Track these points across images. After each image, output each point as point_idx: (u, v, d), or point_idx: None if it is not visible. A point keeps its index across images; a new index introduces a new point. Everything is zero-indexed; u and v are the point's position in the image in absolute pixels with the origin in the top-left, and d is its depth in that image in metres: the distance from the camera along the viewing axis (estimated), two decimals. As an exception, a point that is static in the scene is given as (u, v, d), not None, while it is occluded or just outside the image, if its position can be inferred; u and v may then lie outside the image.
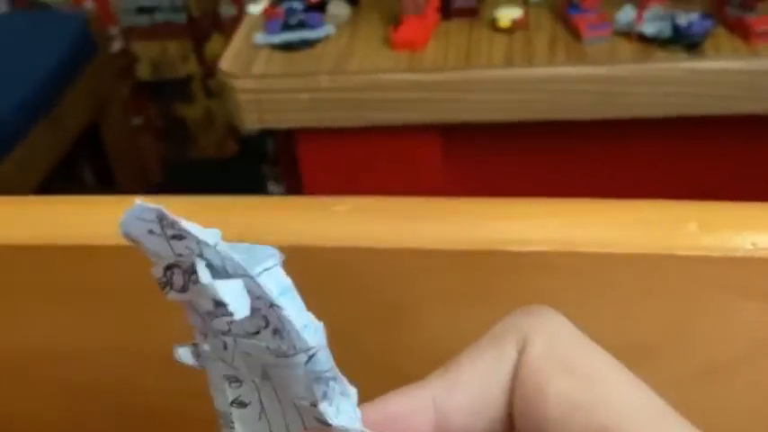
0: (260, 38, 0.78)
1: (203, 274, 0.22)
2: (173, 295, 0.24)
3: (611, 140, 0.81)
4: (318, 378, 0.23)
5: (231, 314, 0.22)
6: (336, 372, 0.24)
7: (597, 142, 0.81)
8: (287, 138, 0.82)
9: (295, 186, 0.85)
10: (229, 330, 0.24)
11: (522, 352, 0.24)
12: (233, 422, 0.27)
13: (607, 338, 0.41)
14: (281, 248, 0.40)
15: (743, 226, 0.38)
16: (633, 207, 0.40)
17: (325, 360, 0.23)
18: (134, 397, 0.46)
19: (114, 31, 1.66)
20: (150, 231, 0.23)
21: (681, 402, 0.42)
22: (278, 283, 0.22)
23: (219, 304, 0.22)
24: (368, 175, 0.76)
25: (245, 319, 0.23)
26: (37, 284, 0.43)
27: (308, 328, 0.23)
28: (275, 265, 0.23)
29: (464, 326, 0.41)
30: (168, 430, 0.47)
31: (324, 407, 0.24)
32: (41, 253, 0.42)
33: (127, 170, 1.63)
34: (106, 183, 1.64)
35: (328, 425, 0.24)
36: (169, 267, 0.23)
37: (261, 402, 0.26)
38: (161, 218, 0.22)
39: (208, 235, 0.22)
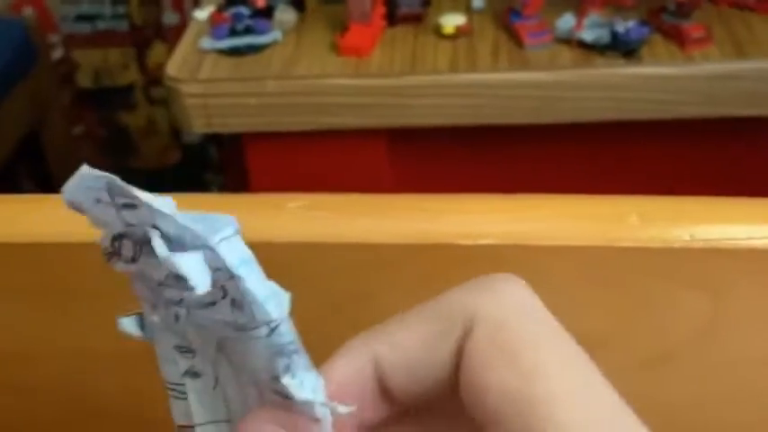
0: (207, 43, 0.79)
1: (159, 247, 0.21)
2: (120, 266, 0.23)
3: (554, 144, 0.83)
4: (280, 351, 0.23)
5: (192, 288, 0.21)
6: (299, 344, 0.23)
7: (540, 146, 0.83)
8: (234, 143, 0.83)
9: (240, 192, 0.85)
10: (182, 301, 0.23)
11: (468, 333, 0.24)
12: (185, 393, 0.26)
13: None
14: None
15: (681, 218, 0.40)
16: (577, 202, 0.42)
17: (287, 332, 0.23)
18: (87, 397, 0.46)
19: (55, 38, 1.64)
20: (98, 200, 0.22)
21: (629, 392, 0.43)
22: (238, 253, 0.21)
23: (179, 278, 0.21)
24: (315, 179, 0.76)
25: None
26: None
27: (270, 300, 0.22)
28: (234, 233, 0.22)
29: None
30: (124, 430, 0.47)
31: (287, 380, 0.23)
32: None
33: (67, 178, 1.61)
34: (46, 191, 1.62)
35: (289, 398, 0.23)
36: (117, 238, 0.22)
37: (215, 374, 0.25)
38: (111, 186, 0.21)
39: (163, 204, 0.21)
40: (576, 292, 0.41)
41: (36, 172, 1.61)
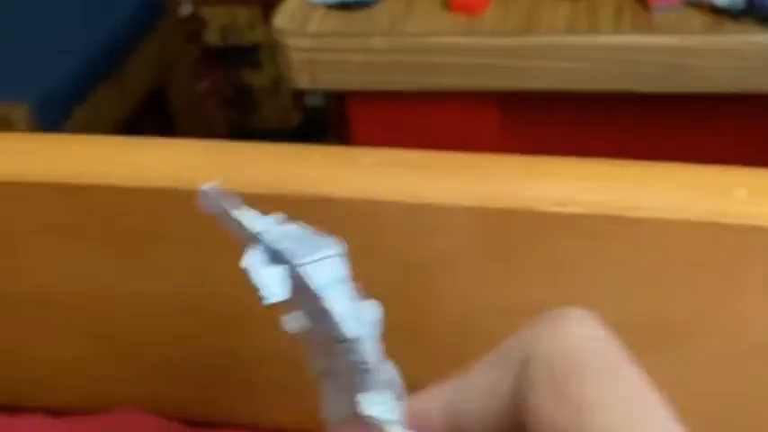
0: (316, -4, 0.76)
1: (247, 259, 0.23)
2: None
3: (678, 115, 0.77)
4: (358, 368, 0.24)
5: (264, 299, 0.23)
6: (380, 361, 0.24)
7: (662, 116, 0.77)
8: (340, 101, 0.81)
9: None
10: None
11: (524, 372, 0.24)
12: (326, 389, 0.27)
13: (643, 312, 0.38)
14: (302, 198, 0.39)
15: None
16: (677, 171, 0.38)
17: (366, 351, 0.24)
18: (150, 346, 0.45)
19: (184, -6, 1.66)
20: (227, 213, 0.24)
21: (721, 384, 0.39)
22: (328, 274, 0.23)
23: (256, 289, 0.23)
24: (420, 142, 0.73)
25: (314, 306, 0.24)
26: (60, 225, 0.42)
27: (349, 319, 0.23)
28: (329, 256, 0.23)
29: (487, 288, 0.39)
30: (184, 381, 0.46)
31: (361, 398, 0.24)
32: (67, 192, 0.40)
33: (191, 135, 1.63)
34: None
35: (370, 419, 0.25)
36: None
37: (341, 380, 0.27)
38: (223, 207, 0.24)
39: (261, 224, 0.23)
40: (669, 272, 0.37)
41: (161, 127, 1.63)
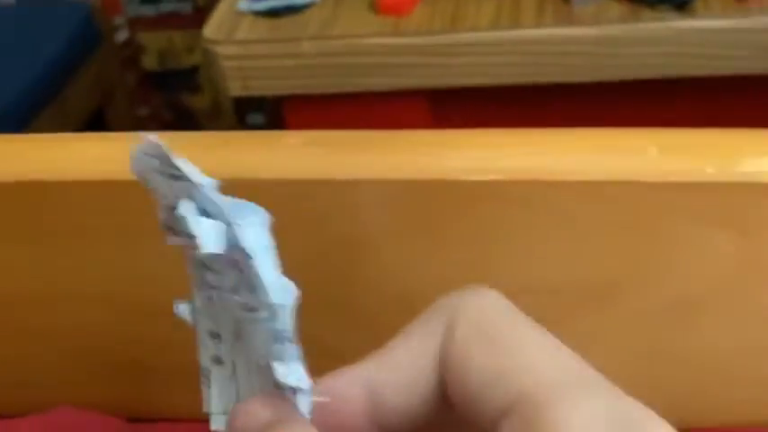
0: (244, 5, 0.77)
1: (184, 208, 0.23)
2: (171, 240, 0.25)
3: (601, 103, 0.79)
4: (277, 337, 0.23)
5: (200, 247, 0.22)
6: (295, 336, 0.24)
7: (587, 105, 0.79)
8: (275, 107, 0.81)
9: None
10: (219, 285, 0.25)
11: (451, 330, 0.24)
12: (210, 380, 0.27)
13: (567, 273, 0.40)
14: (233, 182, 0.39)
15: (706, 150, 0.37)
16: (590, 134, 0.39)
17: (286, 320, 0.23)
18: (91, 342, 0.45)
19: (120, 20, 1.66)
20: (156, 169, 0.23)
21: (652, 338, 0.41)
22: (259, 239, 0.23)
23: (191, 237, 0.22)
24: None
25: (230, 272, 0.24)
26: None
27: (276, 286, 0.23)
28: (261, 223, 0.23)
29: (419, 259, 0.40)
30: (125, 377, 0.46)
31: (277, 365, 0.24)
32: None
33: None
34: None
35: (281, 388, 0.24)
36: (169, 209, 0.24)
37: (233, 362, 0.26)
38: (164, 155, 0.23)
39: (202, 178, 0.22)
40: (589, 232, 0.38)
41: (102, 154, 1.62)
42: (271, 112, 1.56)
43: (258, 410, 0.24)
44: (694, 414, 0.41)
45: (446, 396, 0.24)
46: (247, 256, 0.23)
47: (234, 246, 0.23)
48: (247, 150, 0.40)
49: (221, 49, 0.75)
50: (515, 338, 0.23)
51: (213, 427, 0.27)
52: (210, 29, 0.76)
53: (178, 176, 0.23)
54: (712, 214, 0.37)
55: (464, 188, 0.38)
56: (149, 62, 1.69)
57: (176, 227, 0.24)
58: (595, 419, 0.21)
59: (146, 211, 0.40)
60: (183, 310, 0.27)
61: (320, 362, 0.25)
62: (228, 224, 0.23)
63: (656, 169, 0.37)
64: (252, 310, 0.24)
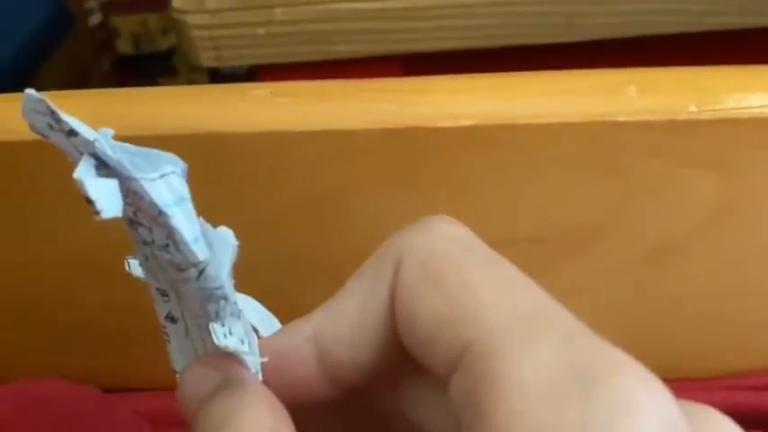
0: (214, -26, 0.76)
1: (80, 169, 0.20)
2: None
3: (578, 63, 0.78)
4: (210, 296, 0.22)
5: (99, 212, 0.20)
6: (230, 290, 0.22)
7: (564, 65, 0.78)
8: (249, 77, 0.80)
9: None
10: (152, 241, 0.22)
11: (396, 273, 0.22)
12: (168, 336, 0.25)
13: (547, 220, 0.39)
14: (197, 137, 0.38)
15: (686, 88, 0.36)
16: (567, 77, 0.38)
17: (215, 276, 0.21)
18: (62, 310, 0.43)
19: (92, 4, 1.63)
20: (50, 126, 0.21)
21: (633, 286, 0.40)
22: (173, 192, 0.21)
23: (89, 202, 0.20)
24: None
25: (158, 229, 0.21)
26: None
27: (199, 241, 0.21)
28: (173, 172, 0.21)
29: (395, 211, 0.39)
30: (98, 346, 0.44)
31: (215, 327, 0.22)
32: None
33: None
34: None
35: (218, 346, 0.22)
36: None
37: (185, 321, 0.25)
38: (51, 111, 0.20)
39: (93, 134, 0.20)
40: (568, 176, 0.37)
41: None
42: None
43: (204, 374, 0.23)
44: (676, 361, 0.40)
45: (401, 344, 0.22)
46: (162, 213, 0.21)
47: (148, 202, 0.21)
48: (213, 103, 0.38)
49: (191, 19, 0.73)
50: (464, 279, 0.21)
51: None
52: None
53: (73, 132, 0.20)
54: (694, 154, 0.36)
55: (438, 135, 0.37)
56: (124, 45, 1.67)
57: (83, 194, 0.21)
58: (547, 370, 0.18)
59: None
60: (134, 266, 0.25)
61: (292, 319, 0.24)
62: (134, 179, 0.20)
63: (637, 108, 0.35)
64: (180, 269, 0.22)
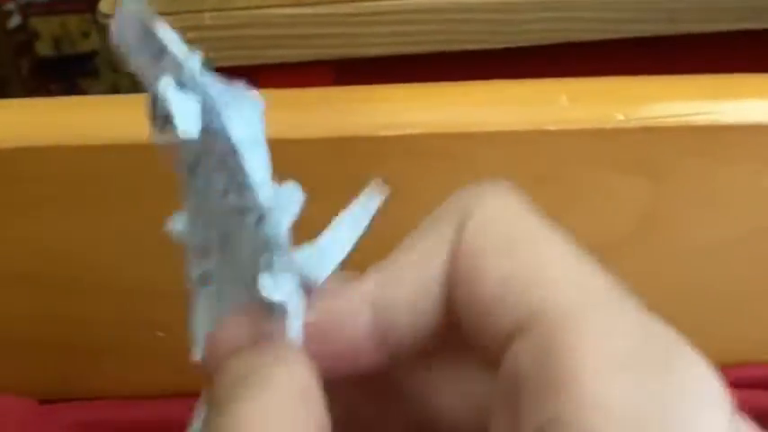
0: (142, -21, 0.75)
1: (164, 83, 0.19)
2: (157, 137, 0.21)
3: (508, 69, 0.79)
4: (265, 245, 0.21)
5: (176, 128, 0.19)
6: (285, 243, 0.21)
7: (494, 72, 0.80)
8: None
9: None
10: (206, 189, 0.22)
11: (458, 236, 0.21)
12: (197, 301, 0.24)
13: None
14: (138, 147, 0.38)
15: (615, 97, 0.37)
16: (502, 86, 0.39)
17: (276, 224, 0.21)
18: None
19: (11, 6, 1.61)
20: (139, 41, 0.20)
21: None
22: (250, 130, 0.20)
23: (168, 119, 0.19)
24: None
25: (218, 175, 0.21)
26: None
27: (265, 185, 0.20)
28: (254, 110, 0.20)
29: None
30: (37, 357, 0.44)
31: (263, 278, 0.21)
32: None
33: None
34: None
35: (270, 307, 0.21)
36: (154, 98, 0.20)
37: (220, 280, 0.23)
38: (146, 21, 0.20)
39: (187, 55, 0.20)
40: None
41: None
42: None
43: (240, 324, 0.21)
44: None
45: (451, 313, 0.21)
46: (235, 150, 0.20)
47: (221, 136, 0.20)
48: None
49: (119, 24, 0.73)
50: (534, 246, 0.21)
51: (196, 357, 0.23)
52: (107, 3, 0.74)
53: (161, 52, 0.20)
54: (624, 161, 0.37)
55: (379, 144, 0.37)
56: (44, 48, 1.64)
57: (160, 113, 0.20)
58: (627, 343, 0.18)
59: (59, 181, 0.38)
60: (176, 223, 0.23)
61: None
62: (215, 110, 0.20)
63: (568, 117, 0.37)
64: (239, 213, 0.21)
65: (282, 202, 0.21)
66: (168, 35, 0.20)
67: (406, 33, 0.74)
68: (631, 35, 0.74)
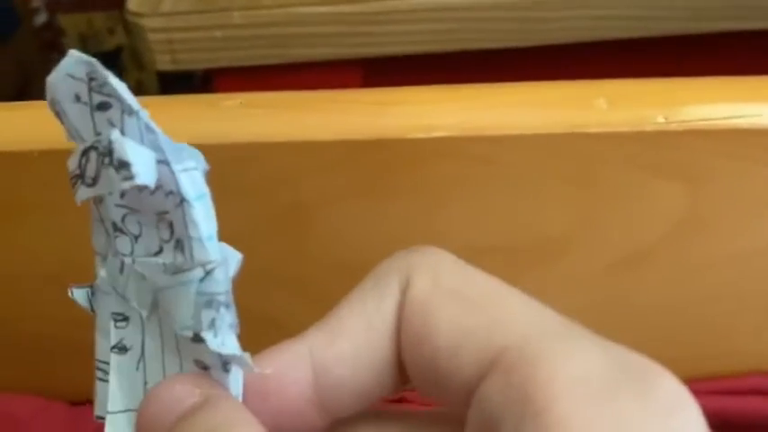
0: (170, -23, 0.75)
1: (115, 134, 0.19)
2: (82, 192, 0.21)
3: (535, 68, 0.79)
4: (210, 301, 0.20)
5: (133, 177, 0.19)
6: (230, 299, 0.21)
7: (521, 71, 0.79)
8: (203, 83, 0.79)
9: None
10: (131, 251, 0.21)
11: (405, 290, 0.22)
12: (108, 372, 0.23)
13: (518, 231, 0.39)
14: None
15: (654, 100, 0.36)
16: (537, 88, 0.38)
17: (222, 281, 0.20)
18: (26, 325, 0.43)
19: (38, 3, 1.61)
20: (76, 97, 0.20)
21: (602, 294, 0.40)
22: (195, 187, 0.20)
23: (123, 166, 0.19)
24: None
25: (152, 233, 0.21)
26: None
27: (213, 241, 0.20)
28: (196, 168, 0.20)
29: (366, 223, 0.39)
30: (64, 360, 0.44)
31: (208, 336, 0.20)
32: None
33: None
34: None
35: (207, 368, 0.21)
36: (86, 152, 0.20)
37: (142, 347, 0.23)
38: (92, 73, 0.19)
39: (138, 105, 0.19)
40: (539, 187, 0.37)
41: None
42: (198, 90, 1.54)
43: (181, 390, 0.21)
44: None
45: (401, 368, 0.22)
46: (185, 203, 0.20)
47: (167, 192, 0.20)
48: (182, 114, 0.38)
49: (147, 22, 0.72)
50: (483, 292, 0.21)
51: (109, 430, 0.23)
52: (135, 2, 0.74)
53: (105, 105, 0.19)
54: (663, 165, 0.37)
55: (408, 147, 0.37)
56: (70, 45, 1.64)
57: (91, 171, 0.20)
58: (596, 369, 0.18)
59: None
60: (79, 295, 0.23)
61: (265, 338, 0.23)
62: (165, 162, 0.19)
63: (606, 120, 0.36)
64: (179, 271, 0.21)
65: (227, 257, 0.21)
66: (120, 85, 0.19)
67: (435, 32, 0.73)
68: (659, 33, 0.73)
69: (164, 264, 0.21)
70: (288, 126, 0.37)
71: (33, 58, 1.57)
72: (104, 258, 0.22)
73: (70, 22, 1.63)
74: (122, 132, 0.19)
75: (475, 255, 0.24)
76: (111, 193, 0.21)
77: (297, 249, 0.39)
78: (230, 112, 0.37)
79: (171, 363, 0.22)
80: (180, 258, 0.20)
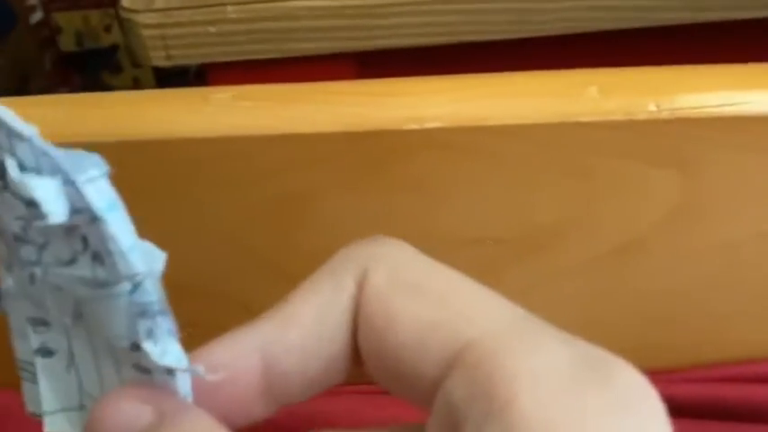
0: (163, -28, 0.75)
1: (12, 169, 0.18)
2: None
3: (533, 59, 0.78)
4: (144, 312, 0.20)
5: (44, 216, 0.18)
6: (165, 305, 0.20)
7: (518, 62, 0.79)
8: (198, 79, 0.79)
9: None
10: (39, 260, 0.20)
11: (362, 283, 0.22)
12: (36, 375, 0.22)
13: (511, 221, 0.39)
14: (158, 143, 0.38)
15: (646, 88, 0.36)
16: (530, 78, 0.38)
17: (153, 290, 0.20)
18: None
19: (33, 1, 1.61)
20: None
21: (599, 283, 0.40)
22: (104, 197, 0.19)
23: (31, 204, 0.18)
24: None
25: (60, 243, 0.20)
26: None
27: (136, 250, 0.19)
28: (101, 175, 0.19)
29: (360, 214, 0.39)
30: None
31: (148, 346, 0.20)
32: None
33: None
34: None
35: (148, 372, 0.20)
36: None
37: (70, 350, 0.22)
38: None
39: (25, 127, 0.18)
40: (533, 176, 0.37)
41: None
42: (193, 85, 1.54)
43: (131, 409, 0.20)
44: (638, 357, 0.41)
45: (354, 357, 0.22)
46: (97, 219, 0.18)
47: (75, 210, 0.19)
48: (174, 107, 0.38)
49: (141, 18, 0.72)
50: (444, 286, 0.21)
51: (50, 428, 0.22)
52: (129, -3, 0.74)
53: None
54: (655, 153, 0.37)
55: (401, 138, 0.37)
56: (66, 43, 1.64)
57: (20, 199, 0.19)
58: (558, 362, 0.18)
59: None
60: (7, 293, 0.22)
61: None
62: (68, 181, 0.18)
63: (598, 109, 0.36)
64: (102, 285, 0.20)
65: (149, 262, 0.20)
66: (5, 113, 0.18)
67: (429, 24, 0.73)
68: (656, 24, 0.73)
69: (83, 277, 0.20)
70: (280, 118, 0.37)
71: (30, 55, 1.58)
72: (9, 267, 0.21)
73: (66, 19, 1.64)
74: (13, 153, 0.18)
75: (469, 245, 0.24)
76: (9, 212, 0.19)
77: (289, 242, 0.39)
78: (222, 105, 0.37)
79: (106, 366, 0.22)
80: (101, 273, 0.20)
